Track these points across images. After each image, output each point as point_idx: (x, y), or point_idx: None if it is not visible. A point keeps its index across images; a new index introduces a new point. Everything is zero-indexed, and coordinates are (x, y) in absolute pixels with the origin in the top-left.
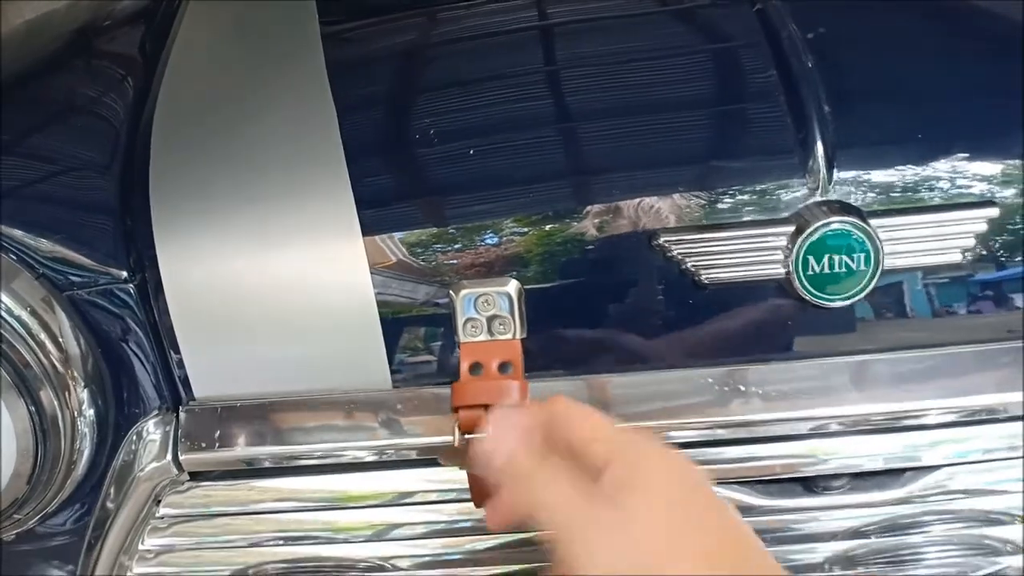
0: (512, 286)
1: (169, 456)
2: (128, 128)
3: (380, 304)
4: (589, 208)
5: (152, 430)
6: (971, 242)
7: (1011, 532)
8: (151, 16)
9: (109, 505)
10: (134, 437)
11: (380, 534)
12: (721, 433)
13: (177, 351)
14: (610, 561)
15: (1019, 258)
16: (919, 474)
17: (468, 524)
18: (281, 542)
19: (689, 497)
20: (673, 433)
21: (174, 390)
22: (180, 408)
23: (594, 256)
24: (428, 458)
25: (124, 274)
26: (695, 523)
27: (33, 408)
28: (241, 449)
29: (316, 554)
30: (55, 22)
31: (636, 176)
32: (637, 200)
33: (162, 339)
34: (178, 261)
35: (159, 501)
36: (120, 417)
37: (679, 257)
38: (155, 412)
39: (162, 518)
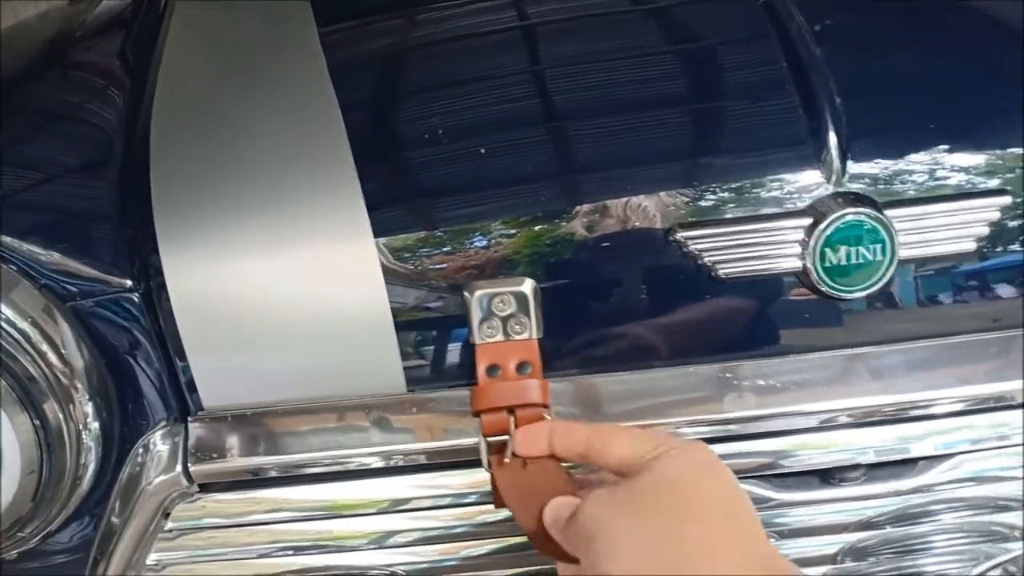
0: (528, 285)
1: (178, 468)
2: (125, 134)
3: (393, 307)
4: (603, 205)
5: (159, 442)
6: (985, 230)
7: (1019, 518)
8: (133, 20)
9: (115, 520)
10: (140, 450)
11: (390, 540)
12: (741, 427)
13: (184, 360)
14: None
15: None
16: (931, 463)
17: (474, 529)
18: (291, 552)
19: (711, 476)
20: (694, 428)
21: (181, 400)
22: (188, 418)
23: (610, 253)
24: (438, 463)
25: (128, 283)
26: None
27: (37, 422)
28: (252, 458)
29: (325, 563)
30: (39, 27)
31: (650, 172)
32: (652, 196)
33: (168, 348)
34: (183, 268)
35: (167, 514)
36: (126, 429)
37: (696, 252)
38: (162, 423)
39: (170, 531)
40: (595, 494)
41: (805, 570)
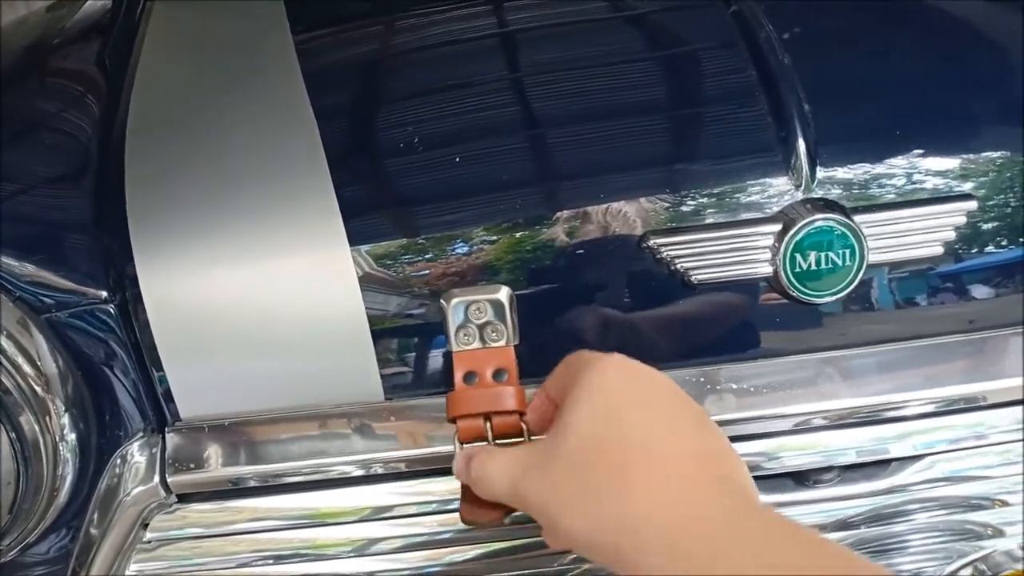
0: (504, 293)
1: (156, 479)
2: (99, 143)
3: (370, 315)
4: (576, 212)
5: (137, 453)
6: (952, 235)
7: (991, 516)
8: (111, 26)
9: (93, 531)
10: (118, 461)
11: (369, 548)
12: None
13: (160, 370)
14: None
15: (996, 248)
16: (904, 464)
17: (454, 535)
18: (272, 561)
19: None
20: None
21: (159, 411)
22: (166, 429)
23: (584, 260)
24: (418, 470)
25: (103, 294)
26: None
27: (14, 434)
28: (231, 468)
29: (308, 572)
30: (16, 33)
31: (624, 180)
32: (625, 204)
33: (144, 359)
34: (159, 278)
35: (146, 525)
36: (103, 441)
37: (668, 258)
38: (139, 434)
39: (149, 542)
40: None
41: None
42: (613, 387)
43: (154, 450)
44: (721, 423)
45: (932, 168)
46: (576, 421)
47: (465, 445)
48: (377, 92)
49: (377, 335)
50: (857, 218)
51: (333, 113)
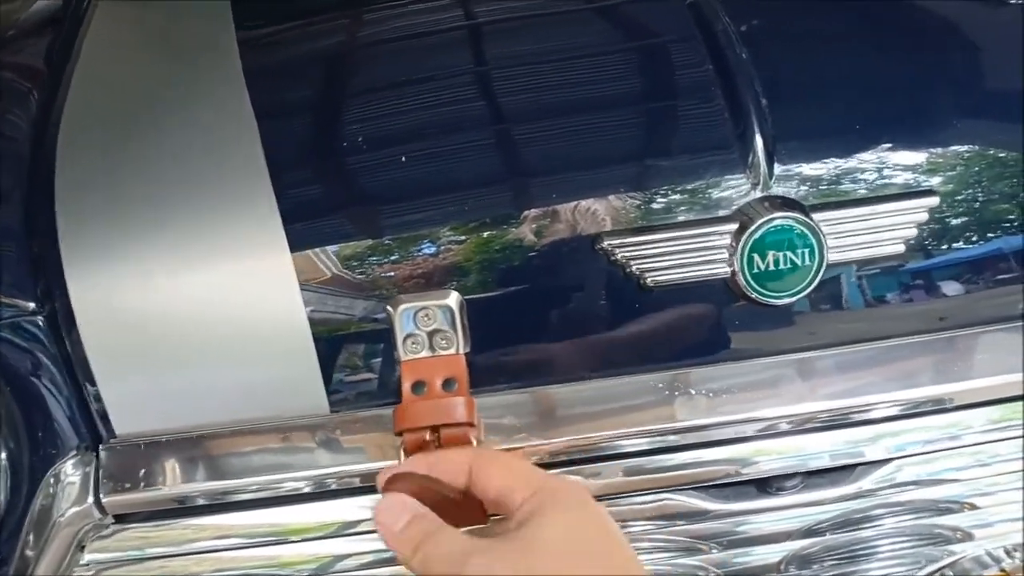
0: (453, 298)
1: (91, 499)
2: (32, 144)
3: (313, 323)
4: (528, 214)
5: (71, 471)
6: (913, 232)
7: (960, 520)
8: (58, 25)
9: (28, 553)
10: (51, 480)
11: (326, 567)
12: (672, 439)
13: (94, 384)
14: None
15: (959, 246)
16: (870, 468)
17: None
18: None
19: (588, 526)
20: (624, 441)
21: (93, 427)
22: (100, 447)
23: (536, 263)
24: (373, 485)
25: (31, 305)
26: (591, 550)
27: None
28: (170, 487)
29: None
30: None
31: (576, 179)
32: (578, 203)
33: (76, 373)
34: (90, 288)
35: (83, 547)
36: (35, 459)
37: (623, 260)
38: (73, 452)
39: (87, 565)
40: (480, 544)
41: None
42: (580, 533)
43: (88, 469)
44: (681, 430)
45: (893, 164)
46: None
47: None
48: (321, 92)
49: (321, 345)
50: (816, 216)
51: (276, 114)
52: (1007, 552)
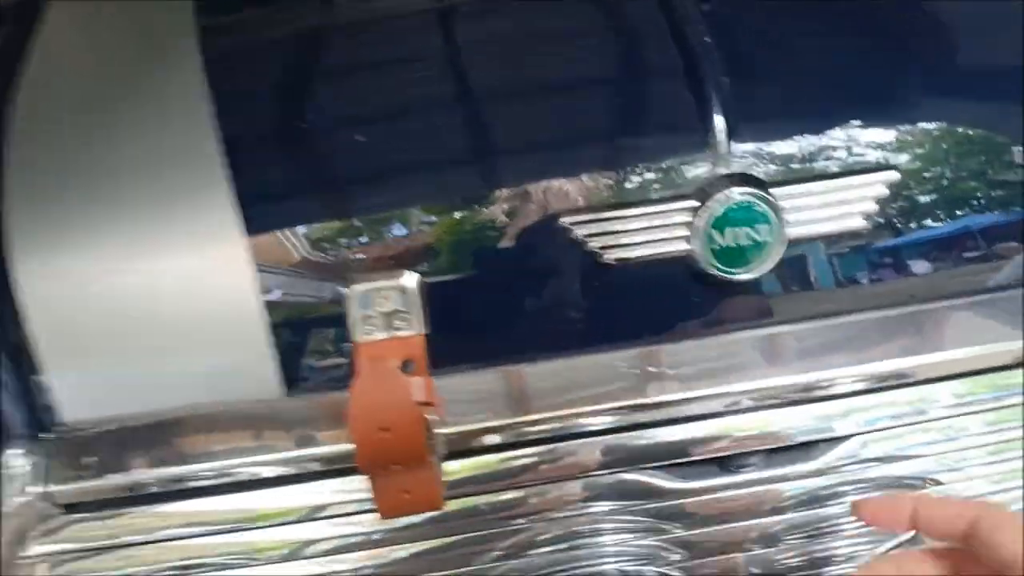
0: (409, 278)
1: (39, 488)
2: None
3: (268, 307)
4: (487, 193)
5: (15, 462)
6: (873, 207)
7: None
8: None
9: None
10: None
11: (295, 552)
12: (636, 417)
13: (41, 372)
14: None
15: (920, 222)
16: (832, 444)
17: (386, 535)
18: (183, 570)
19: None
20: (587, 420)
21: (39, 415)
22: (47, 434)
23: (495, 242)
24: (339, 468)
25: None
26: None
27: None
28: (121, 475)
29: None
30: None
31: (534, 158)
32: (536, 183)
33: (21, 362)
34: (38, 277)
35: (31, 538)
36: None
37: (582, 238)
38: (19, 441)
39: (35, 557)
40: None
41: (715, 558)
42: None
43: (35, 458)
44: (644, 407)
45: (853, 140)
46: None
47: None
48: (279, 73)
49: (276, 327)
50: (776, 192)
51: (231, 96)
52: None
